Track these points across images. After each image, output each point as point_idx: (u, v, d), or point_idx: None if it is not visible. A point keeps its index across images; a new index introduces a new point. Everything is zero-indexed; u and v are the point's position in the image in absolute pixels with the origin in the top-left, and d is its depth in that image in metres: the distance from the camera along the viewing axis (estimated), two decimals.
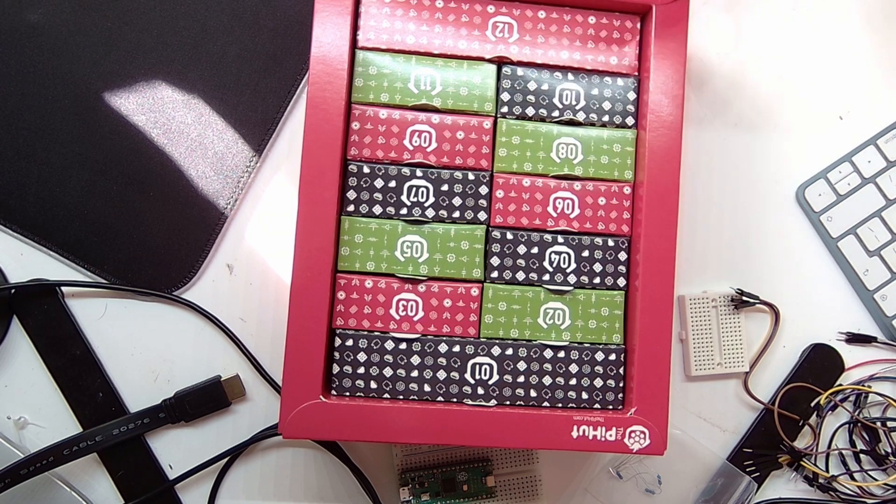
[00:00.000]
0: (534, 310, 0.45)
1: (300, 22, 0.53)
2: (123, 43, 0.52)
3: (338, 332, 0.44)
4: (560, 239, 0.45)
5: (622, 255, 0.46)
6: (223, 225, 0.53)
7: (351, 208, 0.45)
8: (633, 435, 0.43)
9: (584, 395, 0.45)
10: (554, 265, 0.45)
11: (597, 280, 0.46)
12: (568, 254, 0.45)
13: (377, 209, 0.45)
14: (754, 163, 0.56)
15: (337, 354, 0.44)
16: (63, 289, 0.52)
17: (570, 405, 0.45)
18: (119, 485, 0.52)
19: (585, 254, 0.45)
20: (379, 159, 0.45)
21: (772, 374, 0.55)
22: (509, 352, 0.45)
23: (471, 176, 0.45)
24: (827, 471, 0.54)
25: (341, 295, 0.44)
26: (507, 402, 0.45)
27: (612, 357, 0.45)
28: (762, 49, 0.56)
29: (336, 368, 0.44)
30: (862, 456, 0.55)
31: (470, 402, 0.44)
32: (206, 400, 0.52)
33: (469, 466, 0.51)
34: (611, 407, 0.45)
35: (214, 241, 0.53)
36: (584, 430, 0.43)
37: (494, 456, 0.52)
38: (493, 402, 0.44)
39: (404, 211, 0.45)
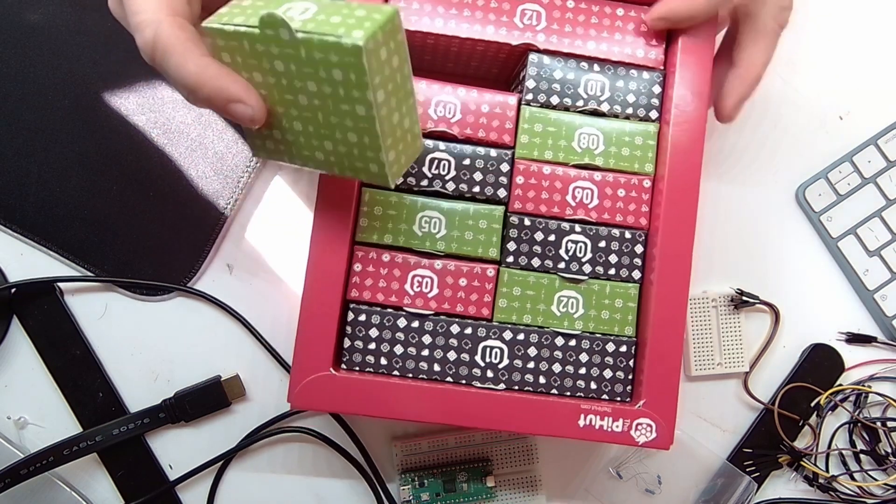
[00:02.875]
0: (548, 297, 0.45)
1: None
2: (123, 43, 0.52)
3: (351, 305, 0.44)
4: (577, 228, 0.45)
5: (638, 248, 0.46)
6: (223, 225, 0.53)
7: None
8: (639, 427, 0.43)
9: (593, 385, 0.45)
10: (570, 254, 0.45)
11: (612, 271, 0.45)
12: (584, 243, 0.45)
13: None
14: (754, 163, 0.56)
15: (349, 329, 0.44)
16: (63, 288, 0.52)
17: (579, 394, 0.45)
18: (119, 485, 0.52)
19: (602, 244, 0.45)
20: None
21: (772, 374, 0.55)
22: (521, 337, 0.45)
23: (493, 153, 0.45)
24: (827, 471, 0.54)
25: (357, 267, 0.44)
26: (516, 388, 0.44)
27: (623, 349, 0.45)
28: None
29: (347, 342, 0.44)
30: (862, 456, 0.54)
31: (478, 385, 0.44)
32: (206, 400, 0.52)
33: (469, 466, 0.51)
34: (619, 398, 0.45)
35: (214, 241, 0.53)
36: (590, 420, 0.43)
37: (494, 456, 0.52)
38: (502, 386, 0.44)
39: (425, 183, 0.45)
